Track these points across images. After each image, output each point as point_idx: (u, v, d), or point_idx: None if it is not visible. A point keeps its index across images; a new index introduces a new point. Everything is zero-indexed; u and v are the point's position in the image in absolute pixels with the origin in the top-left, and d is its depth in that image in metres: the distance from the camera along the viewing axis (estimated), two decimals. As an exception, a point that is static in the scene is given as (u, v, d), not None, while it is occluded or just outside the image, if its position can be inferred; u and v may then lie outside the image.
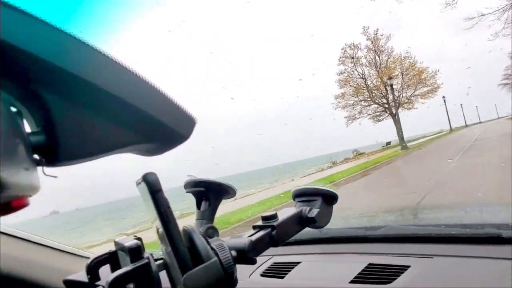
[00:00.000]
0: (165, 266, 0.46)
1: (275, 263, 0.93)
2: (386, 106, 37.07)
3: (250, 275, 0.91)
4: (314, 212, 0.59)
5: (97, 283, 0.46)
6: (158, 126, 0.34)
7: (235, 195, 0.61)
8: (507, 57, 55.12)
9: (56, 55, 0.28)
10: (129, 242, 0.44)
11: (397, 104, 36.71)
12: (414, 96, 35.67)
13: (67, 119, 0.30)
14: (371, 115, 37.98)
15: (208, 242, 0.46)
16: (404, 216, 1.39)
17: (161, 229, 0.41)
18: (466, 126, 61.73)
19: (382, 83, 36.67)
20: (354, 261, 0.81)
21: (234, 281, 0.45)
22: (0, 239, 0.80)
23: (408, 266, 0.71)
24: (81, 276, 0.47)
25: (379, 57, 36.23)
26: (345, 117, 37.98)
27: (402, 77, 35.56)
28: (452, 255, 0.71)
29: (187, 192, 0.61)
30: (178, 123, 0.36)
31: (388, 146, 33.76)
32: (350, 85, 36.35)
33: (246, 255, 0.50)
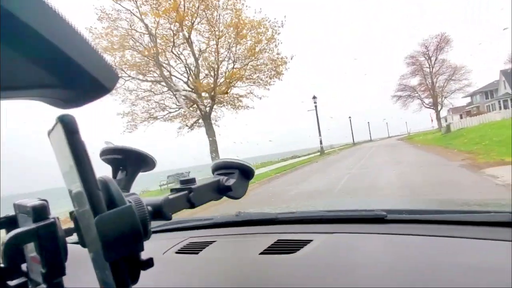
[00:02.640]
0: (75, 228, 0.45)
1: (191, 242, 0.99)
2: (194, 96, 17.26)
3: (164, 253, 0.95)
4: (231, 181, 0.62)
5: None
6: (79, 71, 0.33)
7: (154, 167, 0.61)
8: (404, 62, 41.23)
9: None
10: (33, 202, 0.42)
11: (213, 95, 16.86)
12: (241, 80, 16.54)
13: None
14: (173, 113, 18.58)
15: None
16: (315, 203, 1.83)
17: (71, 187, 0.40)
18: (354, 144, 47.87)
19: (190, 48, 16.57)
20: (266, 238, 0.91)
21: (148, 232, 0.45)
22: None
23: (311, 240, 0.84)
24: None
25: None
26: (119, 114, 17.67)
27: (214, 33, 16.19)
28: (347, 232, 0.88)
29: (102, 159, 0.58)
30: (101, 73, 0.35)
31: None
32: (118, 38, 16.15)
33: (162, 210, 0.51)
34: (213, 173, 0.66)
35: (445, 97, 42.91)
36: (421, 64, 43.42)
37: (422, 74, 43.66)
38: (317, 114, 24.88)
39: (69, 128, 0.37)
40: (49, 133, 0.41)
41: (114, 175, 0.59)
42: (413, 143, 23.65)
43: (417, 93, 44.58)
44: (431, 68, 42.76)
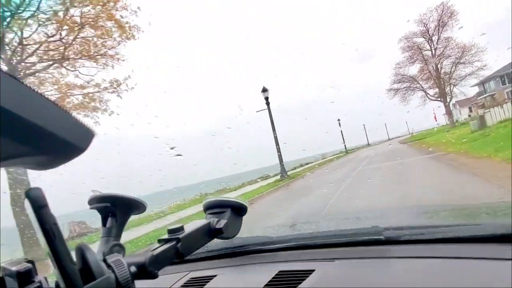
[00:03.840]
0: None
1: (191, 278, 0.98)
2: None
3: None
4: (222, 223, 0.61)
5: None
6: (50, 137, 0.33)
7: (145, 210, 0.61)
8: (398, 47, 32.93)
9: None
10: (18, 266, 0.43)
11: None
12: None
13: None
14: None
15: (104, 259, 0.46)
16: (312, 225, 1.57)
17: (47, 249, 0.42)
18: (347, 152, 38.27)
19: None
20: (267, 269, 0.90)
21: None
22: None
23: (313, 270, 0.81)
24: None
25: None
26: None
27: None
28: (350, 258, 0.86)
29: (91, 208, 0.60)
30: (73, 134, 0.35)
31: None
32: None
33: (147, 269, 0.50)
34: (204, 211, 0.65)
35: (454, 86, 33.82)
36: (420, 47, 34.66)
37: (422, 59, 34.93)
38: (270, 115, 15.37)
39: (37, 203, 0.38)
40: (24, 200, 0.42)
41: (104, 222, 0.58)
42: (430, 151, 14.18)
43: (418, 83, 35.62)
44: (433, 51, 33.99)
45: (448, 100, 34.11)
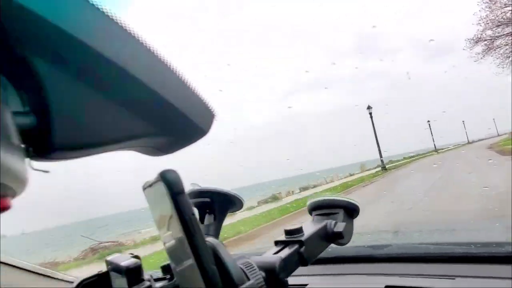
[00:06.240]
0: None
1: None
2: None
3: None
4: (340, 226, 0.57)
5: None
6: (178, 116, 0.31)
7: (242, 207, 0.59)
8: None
9: (56, 13, 0.22)
10: (126, 261, 0.41)
11: None
12: None
13: (64, 97, 0.24)
14: None
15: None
16: (408, 234, 1.44)
17: (170, 243, 0.39)
18: (437, 151, 29.34)
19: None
20: (369, 283, 0.84)
21: None
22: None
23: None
24: None
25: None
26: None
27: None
28: (475, 276, 0.78)
29: None
30: (198, 114, 0.33)
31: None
32: None
33: (278, 276, 0.46)
34: (310, 212, 0.62)
35: None
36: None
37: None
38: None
39: (174, 188, 0.34)
40: (145, 188, 0.38)
41: (201, 219, 0.56)
42: None
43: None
44: None
45: None
